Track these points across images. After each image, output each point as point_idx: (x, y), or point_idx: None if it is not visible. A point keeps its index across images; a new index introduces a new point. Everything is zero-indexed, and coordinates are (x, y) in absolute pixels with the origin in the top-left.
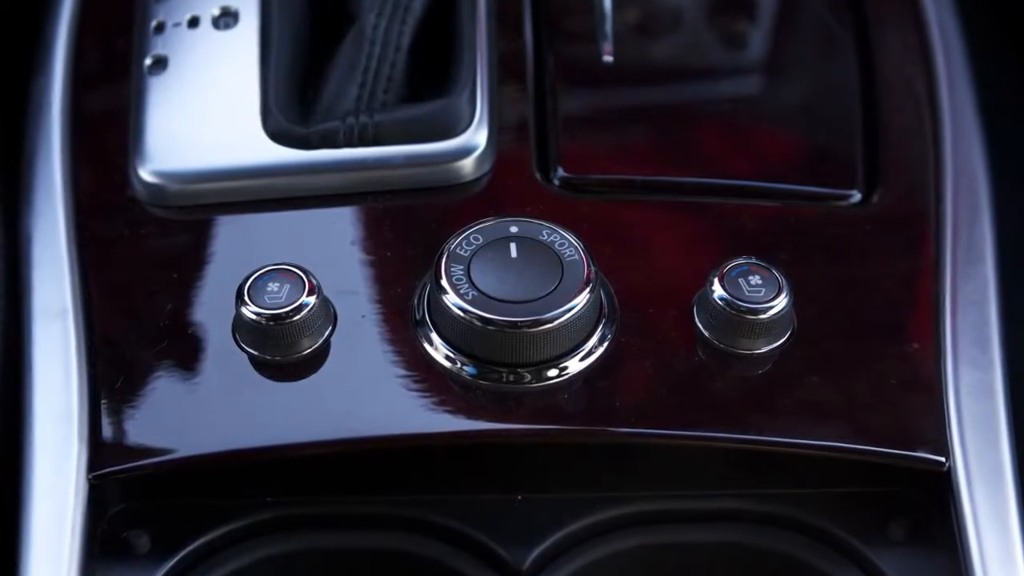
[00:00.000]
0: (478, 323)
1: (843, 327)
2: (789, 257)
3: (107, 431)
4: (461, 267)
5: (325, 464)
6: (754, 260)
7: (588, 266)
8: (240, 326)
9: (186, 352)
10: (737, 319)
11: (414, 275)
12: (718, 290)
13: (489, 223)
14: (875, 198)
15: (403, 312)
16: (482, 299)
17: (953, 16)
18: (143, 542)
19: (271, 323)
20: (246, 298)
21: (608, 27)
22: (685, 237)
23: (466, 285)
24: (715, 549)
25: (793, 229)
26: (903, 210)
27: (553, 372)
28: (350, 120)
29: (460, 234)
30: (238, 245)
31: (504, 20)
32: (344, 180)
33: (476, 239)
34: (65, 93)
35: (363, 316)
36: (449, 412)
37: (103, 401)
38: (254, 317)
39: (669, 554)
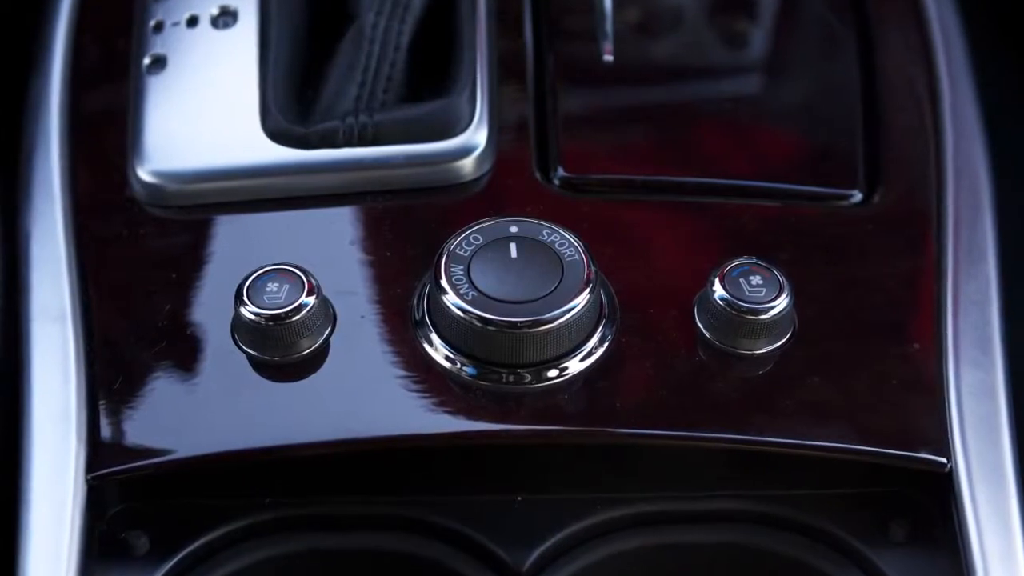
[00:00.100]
0: (478, 323)
1: (844, 327)
2: (790, 257)
3: (106, 431)
4: (461, 267)
5: (324, 465)
6: (755, 260)
7: (588, 266)
8: (239, 326)
9: (185, 352)
10: (738, 319)
11: (414, 275)
12: (719, 290)
13: (489, 223)
14: (876, 198)
15: (403, 312)
16: (482, 299)
17: (954, 15)
18: (142, 543)
19: (270, 323)
20: (245, 298)
21: (608, 26)
22: (686, 237)
23: (466, 285)
24: (716, 550)
25: (794, 229)
26: (904, 210)
27: (553, 372)
28: (349, 120)
29: (460, 234)
30: (237, 245)
31: (504, 19)
32: (343, 180)
33: (476, 239)
34: (63, 92)
35: (362, 316)
36: (449, 413)
37: (102, 401)
38: (253, 317)
39: (669, 555)
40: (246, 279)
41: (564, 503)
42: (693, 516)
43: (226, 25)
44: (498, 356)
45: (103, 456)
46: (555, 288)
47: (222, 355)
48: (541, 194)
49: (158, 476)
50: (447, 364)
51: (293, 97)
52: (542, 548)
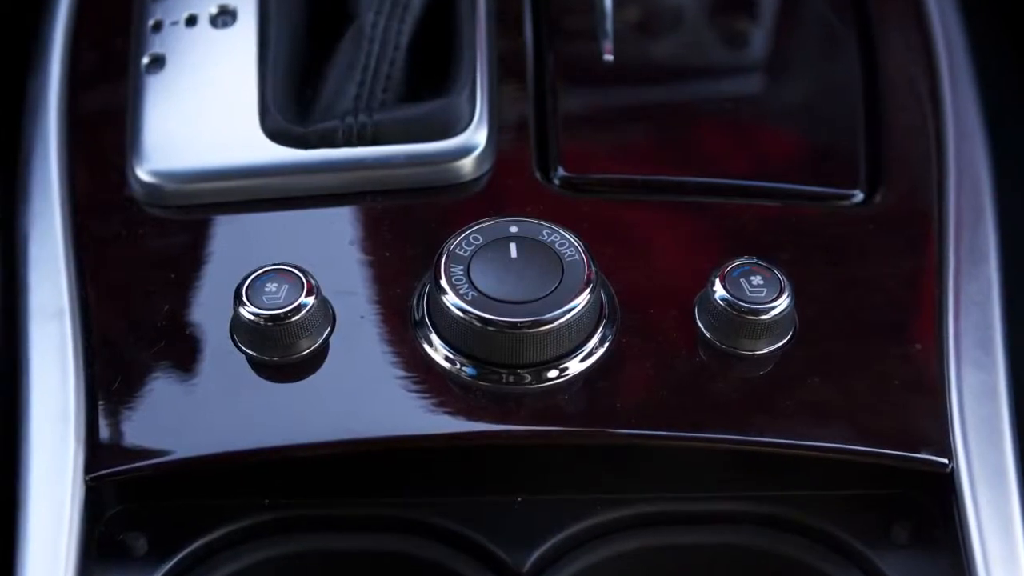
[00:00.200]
0: (478, 324)
1: (845, 328)
2: (791, 257)
3: (104, 432)
4: (461, 267)
5: (324, 466)
6: (756, 260)
7: (588, 266)
8: (238, 326)
9: (184, 353)
10: (739, 319)
11: (413, 275)
12: (719, 290)
13: (489, 223)
14: (877, 198)
15: (402, 313)
16: (482, 299)
17: (956, 15)
18: (140, 544)
19: (269, 324)
20: (244, 298)
21: (608, 26)
22: (686, 237)
23: (466, 285)
24: (716, 551)
25: (795, 229)
26: (906, 210)
27: (553, 373)
28: (349, 119)
29: (460, 234)
30: (236, 245)
31: (504, 19)
32: (343, 180)
33: (476, 239)
34: (62, 92)
35: (362, 317)
36: (448, 413)
37: (100, 402)
38: (252, 318)
39: (670, 556)
40: (245, 279)
41: (564, 504)
42: (694, 517)
43: (225, 24)
44: (498, 356)
45: (102, 457)
46: (555, 288)
47: (221, 355)
48: (541, 194)
49: (157, 477)
50: (447, 364)
51: (292, 97)
52: (542, 549)
